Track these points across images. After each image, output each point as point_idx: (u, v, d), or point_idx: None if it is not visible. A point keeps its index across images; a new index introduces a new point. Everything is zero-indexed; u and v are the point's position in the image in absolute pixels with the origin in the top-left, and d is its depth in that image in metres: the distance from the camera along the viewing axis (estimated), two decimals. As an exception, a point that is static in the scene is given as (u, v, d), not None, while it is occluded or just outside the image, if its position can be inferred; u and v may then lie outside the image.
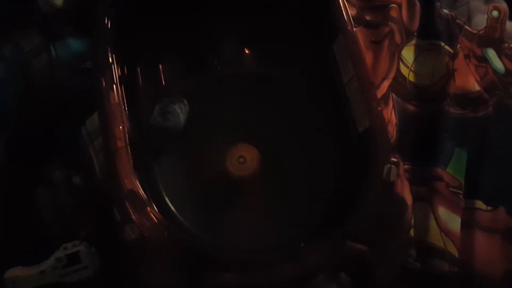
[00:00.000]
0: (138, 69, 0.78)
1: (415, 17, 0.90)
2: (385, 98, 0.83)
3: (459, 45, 0.88)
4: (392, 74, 0.85)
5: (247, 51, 0.83)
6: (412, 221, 0.76)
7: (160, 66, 0.80)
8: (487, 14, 0.92)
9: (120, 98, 0.68)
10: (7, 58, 0.80)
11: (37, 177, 0.75)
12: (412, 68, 0.86)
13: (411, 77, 0.86)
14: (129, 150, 0.65)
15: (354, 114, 0.73)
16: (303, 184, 0.76)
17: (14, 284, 0.67)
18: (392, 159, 0.67)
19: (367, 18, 0.89)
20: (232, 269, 0.63)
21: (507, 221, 0.78)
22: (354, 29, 0.74)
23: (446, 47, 0.87)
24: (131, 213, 0.62)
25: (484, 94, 0.86)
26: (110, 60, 0.69)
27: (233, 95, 0.80)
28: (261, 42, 0.82)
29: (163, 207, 0.71)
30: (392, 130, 0.81)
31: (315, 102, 0.80)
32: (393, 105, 0.83)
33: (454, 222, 0.77)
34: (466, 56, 0.88)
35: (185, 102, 0.76)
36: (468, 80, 0.86)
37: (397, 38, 0.87)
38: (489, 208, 0.78)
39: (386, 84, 0.84)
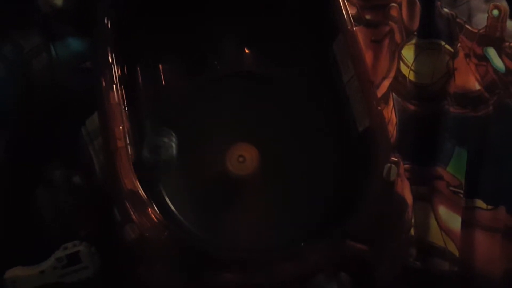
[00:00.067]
0: (138, 69, 0.78)
1: (415, 16, 0.90)
2: (385, 97, 0.83)
3: (459, 44, 0.88)
4: (392, 74, 0.85)
5: (247, 51, 0.82)
6: (413, 220, 0.76)
7: (160, 66, 0.80)
8: (488, 13, 0.92)
9: (120, 98, 0.67)
10: (7, 58, 0.80)
11: (37, 177, 0.75)
12: (412, 67, 0.86)
13: (411, 76, 0.86)
14: (129, 150, 0.65)
15: (354, 113, 0.73)
16: (303, 184, 0.76)
17: (14, 284, 0.67)
18: (392, 158, 0.67)
19: (367, 17, 0.89)
20: (232, 269, 0.63)
21: (508, 220, 0.78)
22: (354, 28, 0.74)
23: (447, 46, 0.87)
24: (131, 213, 0.62)
25: (484, 93, 0.86)
26: (110, 60, 0.69)
27: (233, 95, 0.79)
28: (261, 42, 0.81)
29: (163, 207, 0.71)
30: (392, 129, 0.81)
31: (315, 102, 0.80)
32: (393, 105, 0.83)
33: (454, 221, 0.77)
34: (467, 55, 0.88)
35: (172, 133, 0.74)
36: (469, 79, 0.86)
37: (397, 37, 0.87)
38: (489, 207, 0.78)
39: (386, 83, 0.84)
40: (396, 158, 0.68)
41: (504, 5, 0.93)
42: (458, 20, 0.91)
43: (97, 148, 0.73)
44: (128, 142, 0.65)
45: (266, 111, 0.79)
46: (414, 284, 0.74)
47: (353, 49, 0.73)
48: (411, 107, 0.84)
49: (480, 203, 0.78)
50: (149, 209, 0.63)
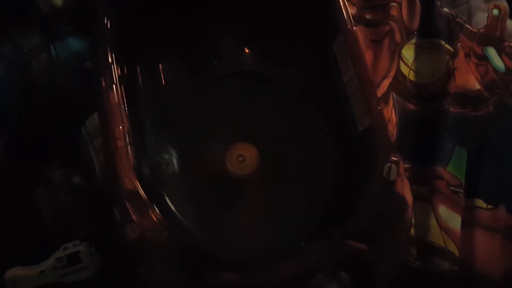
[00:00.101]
0: (138, 69, 0.78)
1: (415, 16, 0.90)
2: (385, 97, 0.83)
3: (459, 44, 0.88)
4: (392, 73, 0.85)
5: (247, 51, 0.83)
6: (413, 220, 0.76)
7: (160, 66, 0.80)
8: (488, 12, 0.92)
9: (120, 98, 0.67)
10: (7, 58, 0.80)
11: (37, 177, 0.75)
12: (412, 67, 0.86)
13: (411, 76, 0.86)
14: (129, 150, 0.65)
15: (354, 113, 0.73)
16: (303, 183, 0.76)
17: (14, 284, 0.67)
18: (392, 158, 0.67)
19: (367, 17, 0.89)
20: (232, 269, 0.63)
21: (508, 220, 0.78)
22: (354, 28, 0.74)
23: (447, 45, 0.87)
24: (131, 213, 0.62)
25: (484, 92, 0.86)
26: (110, 60, 0.69)
27: (233, 95, 0.79)
28: (261, 42, 0.81)
29: (163, 207, 0.71)
30: (392, 129, 0.81)
31: (315, 102, 0.80)
32: (393, 104, 0.83)
33: (454, 221, 0.77)
34: (467, 55, 0.88)
35: (172, 149, 0.74)
36: (469, 79, 0.86)
37: (397, 36, 0.87)
38: (489, 206, 0.78)
39: (386, 83, 0.84)
40: (396, 157, 0.68)
41: (504, 4, 0.93)
42: (458, 19, 0.91)
43: (97, 148, 0.73)
44: (128, 142, 0.65)
45: (266, 111, 0.79)
46: (414, 283, 0.74)
47: (353, 48, 0.73)
48: (411, 106, 0.84)
49: (480, 202, 0.78)
50: (149, 209, 0.63)
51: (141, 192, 0.63)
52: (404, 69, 0.86)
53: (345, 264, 0.67)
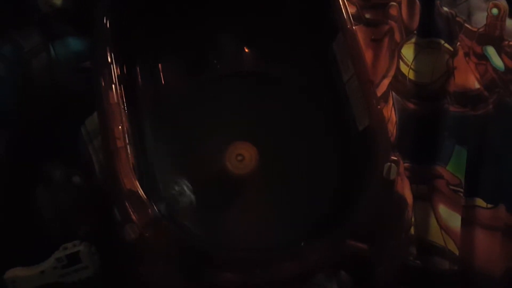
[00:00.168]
0: (138, 68, 0.78)
1: (415, 15, 0.90)
2: (385, 96, 0.83)
3: (459, 43, 0.88)
4: (392, 73, 0.85)
5: (247, 51, 0.83)
6: (413, 219, 0.76)
7: (160, 66, 0.80)
8: (487, 11, 0.92)
9: (119, 98, 0.67)
10: (7, 58, 0.80)
11: (36, 176, 0.75)
12: (412, 66, 0.86)
13: (411, 75, 0.86)
14: (128, 150, 0.65)
15: (354, 112, 0.73)
16: (303, 183, 0.76)
17: (14, 284, 0.67)
18: (392, 157, 0.67)
19: (367, 16, 0.89)
20: (232, 269, 0.63)
21: (508, 219, 0.78)
22: (354, 27, 0.74)
23: (446, 45, 0.87)
24: (131, 213, 0.62)
25: (484, 92, 0.86)
26: (109, 59, 0.69)
27: (233, 95, 0.79)
28: (261, 42, 0.81)
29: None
30: (392, 128, 0.81)
31: (315, 101, 0.80)
32: (393, 103, 0.83)
33: (454, 220, 0.77)
34: (466, 54, 0.88)
35: (183, 180, 0.74)
36: (468, 78, 0.86)
37: (397, 36, 0.87)
38: (489, 206, 0.78)
39: (386, 82, 0.84)
40: (396, 157, 0.68)
41: (504, 3, 0.92)
42: (457, 19, 0.91)
43: (97, 148, 0.73)
44: (127, 141, 0.65)
45: (266, 110, 0.79)
46: (414, 283, 0.74)
47: (352, 48, 0.73)
48: (411, 106, 0.84)
49: (480, 201, 0.78)
50: (149, 209, 0.62)
51: (141, 192, 0.63)
52: (404, 69, 0.86)
53: (345, 263, 0.66)
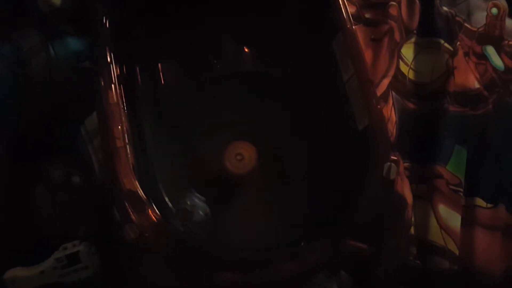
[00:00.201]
0: (137, 68, 0.78)
1: (415, 15, 0.90)
2: (385, 96, 0.83)
3: (458, 43, 0.88)
4: (391, 72, 0.85)
5: (246, 51, 0.82)
6: (412, 219, 0.76)
7: (160, 66, 0.80)
8: (487, 11, 0.92)
9: (119, 98, 0.67)
10: (6, 57, 0.80)
11: (36, 176, 0.75)
12: (411, 66, 0.86)
13: (410, 75, 0.86)
14: (128, 149, 0.65)
15: (354, 112, 0.73)
16: (303, 183, 0.76)
17: (14, 284, 0.67)
18: (392, 157, 0.67)
19: (367, 16, 0.89)
20: (232, 269, 0.63)
21: (507, 219, 0.78)
22: (353, 27, 0.74)
23: (446, 44, 0.87)
24: (130, 213, 0.62)
25: (483, 91, 0.86)
26: (109, 59, 0.69)
27: (233, 95, 0.79)
28: (261, 42, 0.81)
29: (163, 207, 0.71)
30: (392, 128, 0.81)
31: (315, 101, 0.80)
32: (393, 103, 0.83)
33: (454, 219, 0.77)
34: (466, 54, 0.88)
35: (194, 192, 0.72)
36: (468, 78, 0.86)
37: (397, 36, 0.87)
38: (489, 205, 0.78)
39: (385, 82, 0.84)
40: (396, 156, 0.68)
41: (503, 3, 0.93)
42: (457, 18, 0.91)
43: (96, 148, 0.73)
44: (127, 141, 0.65)
45: (266, 110, 0.79)
46: (414, 283, 0.74)
47: (352, 48, 0.72)
48: (411, 105, 0.84)
49: (479, 201, 0.78)
50: (149, 209, 0.62)
51: (140, 192, 0.63)
52: (404, 68, 0.86)
53: (345, 264, 0.66)
